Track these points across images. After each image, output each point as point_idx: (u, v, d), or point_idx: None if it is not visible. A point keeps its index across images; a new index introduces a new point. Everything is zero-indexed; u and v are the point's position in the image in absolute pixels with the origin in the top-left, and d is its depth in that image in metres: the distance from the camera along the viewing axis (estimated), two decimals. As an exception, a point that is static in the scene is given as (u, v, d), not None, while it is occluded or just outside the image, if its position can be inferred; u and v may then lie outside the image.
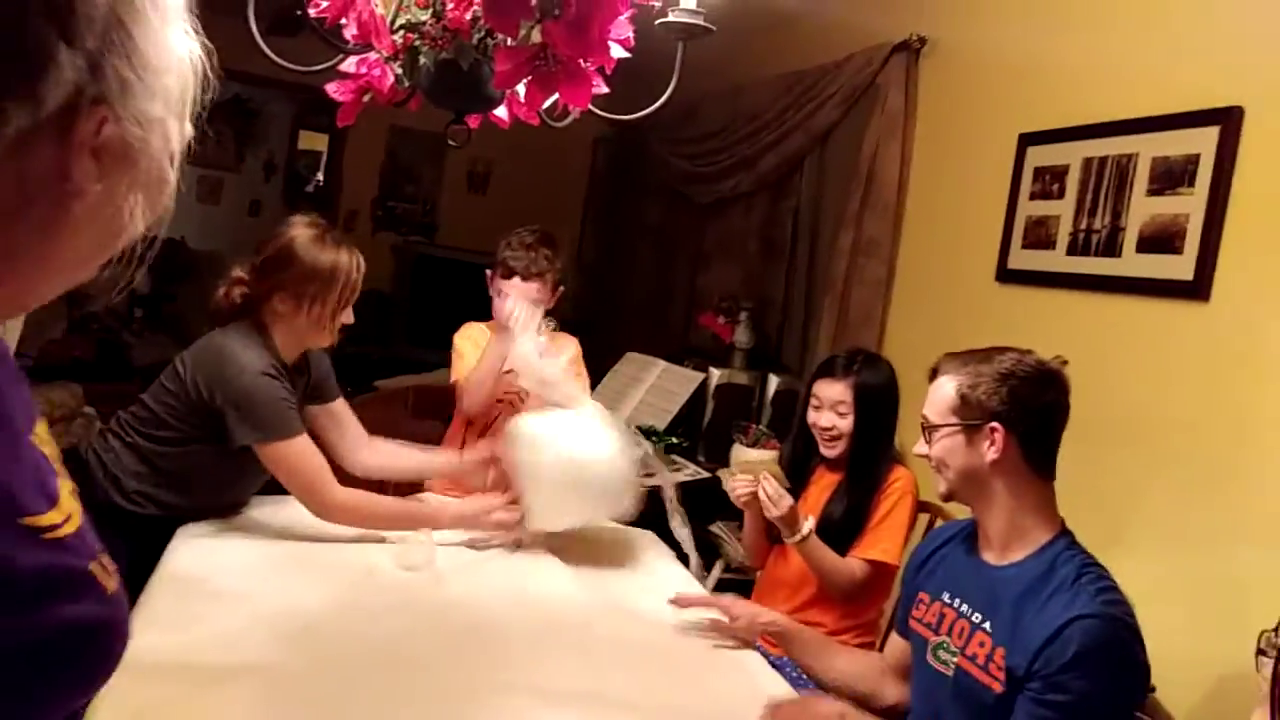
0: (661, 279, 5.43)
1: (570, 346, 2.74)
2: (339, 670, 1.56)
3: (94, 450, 2.07)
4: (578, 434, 2.11)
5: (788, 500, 2.21)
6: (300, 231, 2.09)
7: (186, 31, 0.73)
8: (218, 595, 1.74)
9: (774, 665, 1.92)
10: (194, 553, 1.94)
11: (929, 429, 1.68)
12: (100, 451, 2.07)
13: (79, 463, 2.01)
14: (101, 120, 0.64)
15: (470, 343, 2.69)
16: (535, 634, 1.83)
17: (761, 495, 2.23)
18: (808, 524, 2.24)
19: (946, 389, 1.66)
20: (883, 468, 2.34)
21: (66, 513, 0.66)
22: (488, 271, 2.65)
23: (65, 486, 0.68)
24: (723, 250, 4.86)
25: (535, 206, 6.54)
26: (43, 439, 0.70)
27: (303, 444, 2.04)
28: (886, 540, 2.28)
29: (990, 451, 1.60)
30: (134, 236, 0.73)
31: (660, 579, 2.26)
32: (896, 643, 1.87)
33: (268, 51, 1.54)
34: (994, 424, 1.59)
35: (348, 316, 2.16)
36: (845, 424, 2.33)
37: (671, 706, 1.62)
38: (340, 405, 2.37)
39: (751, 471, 2.30)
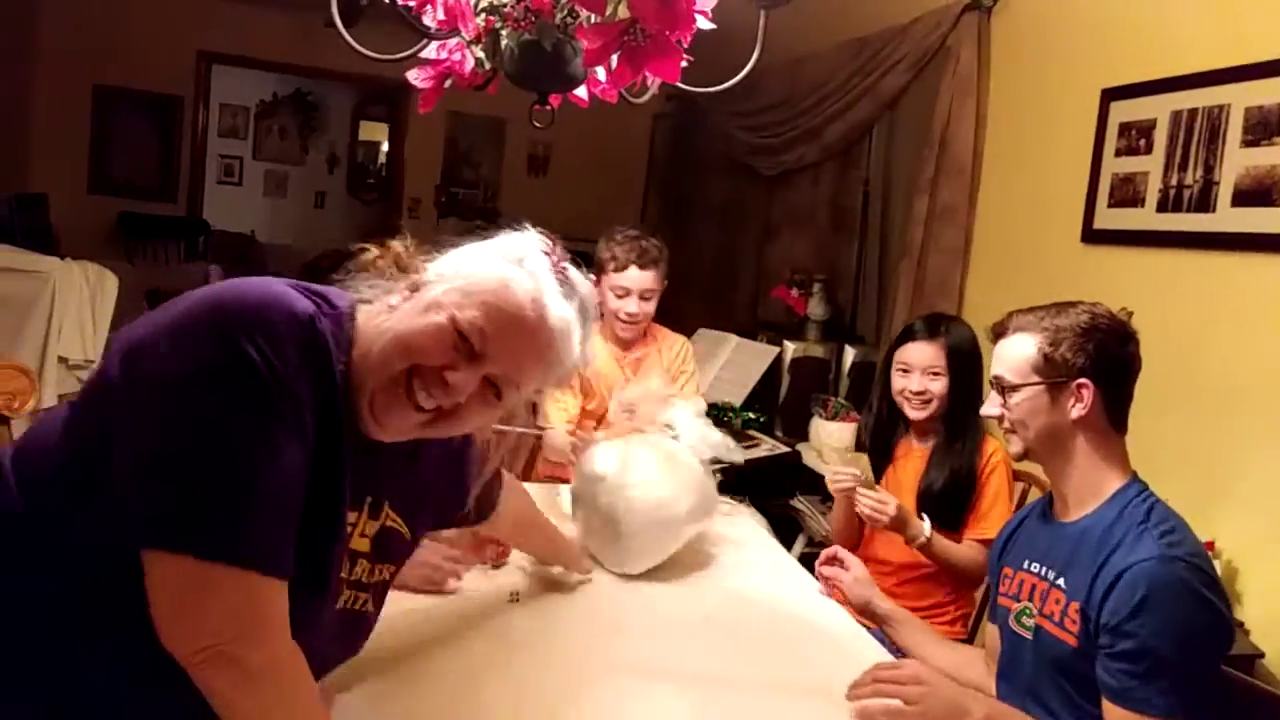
0: (728, 254, 5.40)
1: (679, 343, 2.71)
2: (433, 653, 1.58)
3: None
4: (651, 473, 1.98)
5: (893, 503, 2.15)
6: None
7: None
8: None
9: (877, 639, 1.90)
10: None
11: (1007, 389, 1.62)
12: None
13: None
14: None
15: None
16: (634, 614, 1.84)
17: (864, 510, 2.16)
18: (925, 525, 2.19)
19: (1024, 347, 1.60)
20: (978, 434, 2.28)
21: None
22: (590, 276, 2.56)
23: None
24: (791, 222, 4.81)
25: (596, 186, 6.56)
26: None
27: None
28: (1001, 519, 2.20)
29: (1076, 409, 1.56)
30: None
31: (754, 554, 2.25)
32: (992, 632, 1.84)
33: (352, 43, 1.55)
34: (1082, 380, 1.55)
35: None
36: (938, 386, 2.28)
37: (773, 682, 1.61)
38: None
39: (853, 464, 2.24)
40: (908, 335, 2.37)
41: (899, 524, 2.16)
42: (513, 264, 1.11)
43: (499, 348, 1.05)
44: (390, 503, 1.21)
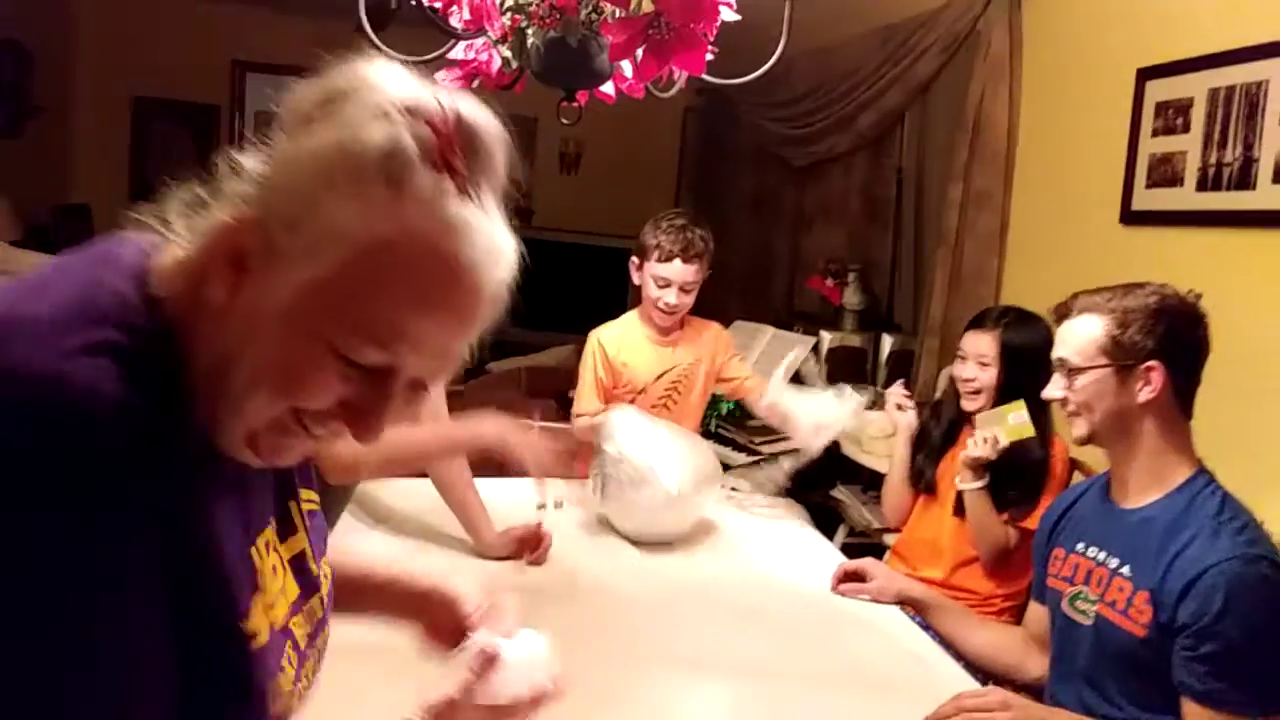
0: (761, 246, 5.39)
1: (716, 330, 2.72)
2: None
3: None
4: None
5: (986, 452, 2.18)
6: None
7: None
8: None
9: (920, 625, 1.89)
10: (348, 537, 2.00)
11: (1073, 371, 1.60)
12: None
13: None
14: None
15: (589, 369, 2.58)
16: (667, 604, 1.85)
17: (985, 439, 2.17)
18: (980, 483, 2.21)
19: (1092, 328, 1.58)
20: (1045, 429, 2.22)
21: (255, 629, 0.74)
22: (632, 260, 2.56)
23: (260, 602, 0.75)
24: (824, 212, 4.79)
25: (628, 182, 6.56)
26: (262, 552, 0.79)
27: None
28: (1039, 509, 2.20)
29: (1145, 392, 1.54)
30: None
31: (796, 545, 2.25)
32: (1036, 611, 1.83)
33: (380, 45, 1.57)
34: (1151, 363, 1.53)
35: None
36: (986, 376, 2.26)
37: (816, 672, 1.62)
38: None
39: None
40: (972, 323, 2.38)
41: (980, 467, 2.18)
42: (389, 192, 0.66)
43: (416, 353, 0.69)
44: (276, 523, 0.84)
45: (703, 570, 2.03)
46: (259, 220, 0.66)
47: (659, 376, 2.57)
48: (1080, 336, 1.60)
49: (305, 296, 0.66)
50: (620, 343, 2.57)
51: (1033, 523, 2.18)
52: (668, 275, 2.48)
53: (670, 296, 2.50)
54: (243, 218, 0.67)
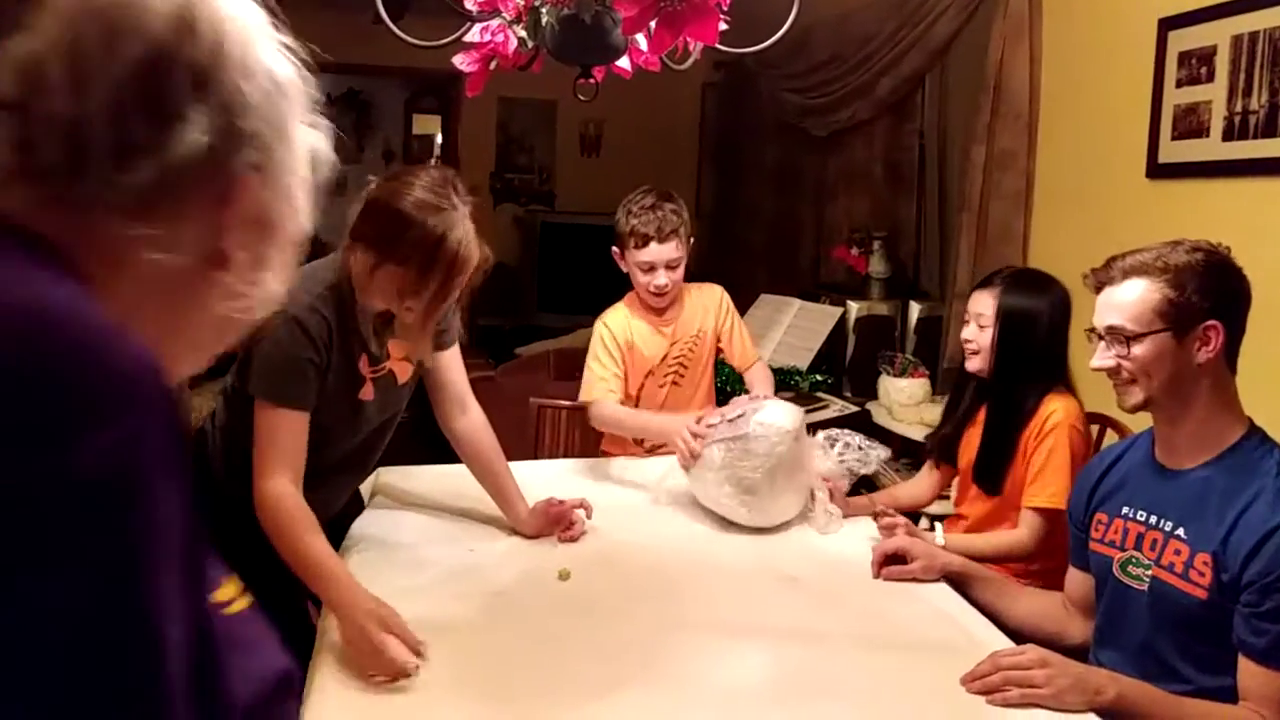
0: (786, 218, 5.37)
1: (714, 294, 2.71)
2: (522, 621, 1.63)
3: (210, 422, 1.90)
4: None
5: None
6: (417, 193, 1.67)
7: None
8: (405, 562, 1.83)
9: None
10: (379, 524, 2.03)
11: (1129, 338, 1.55)
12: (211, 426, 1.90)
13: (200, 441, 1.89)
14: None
15: (603, 351, 2.54)
16: (706, 572, 1.87)
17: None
18: (939, 537, 2.10)
19: (1144, 292, 1.54)
20: (1030, 396, 2.15)
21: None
22: (614, 249, 2.55)
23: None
24: (847, 181, 4.77)
25: (649, 161, 6.55)
26: None
27: (283, 420, 1.66)
28: (1052, 484, 2.08)
29: (1204, 352, 1.52)
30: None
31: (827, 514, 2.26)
32: (1075, 577, 1.81)
33: (398, 32, 1.58)
34: (1211, 322, 1.51)
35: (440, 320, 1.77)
36: (983, 337, 2.18)
37: (855, 636, 1.63)
38: (449, 356, 2.01)
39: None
40: (977, 285, 2.33)
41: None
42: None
43: None
44: None
45: (740, 538, 2.05)
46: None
47: (663, 358, 2.58)
48: (1132, 302, 1.55)
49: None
50: (625, 328, 2.57)
51: (1045, 501, 2.08)
52: (649, 259, 2.46)
53: (659, 278, 2.48)
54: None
